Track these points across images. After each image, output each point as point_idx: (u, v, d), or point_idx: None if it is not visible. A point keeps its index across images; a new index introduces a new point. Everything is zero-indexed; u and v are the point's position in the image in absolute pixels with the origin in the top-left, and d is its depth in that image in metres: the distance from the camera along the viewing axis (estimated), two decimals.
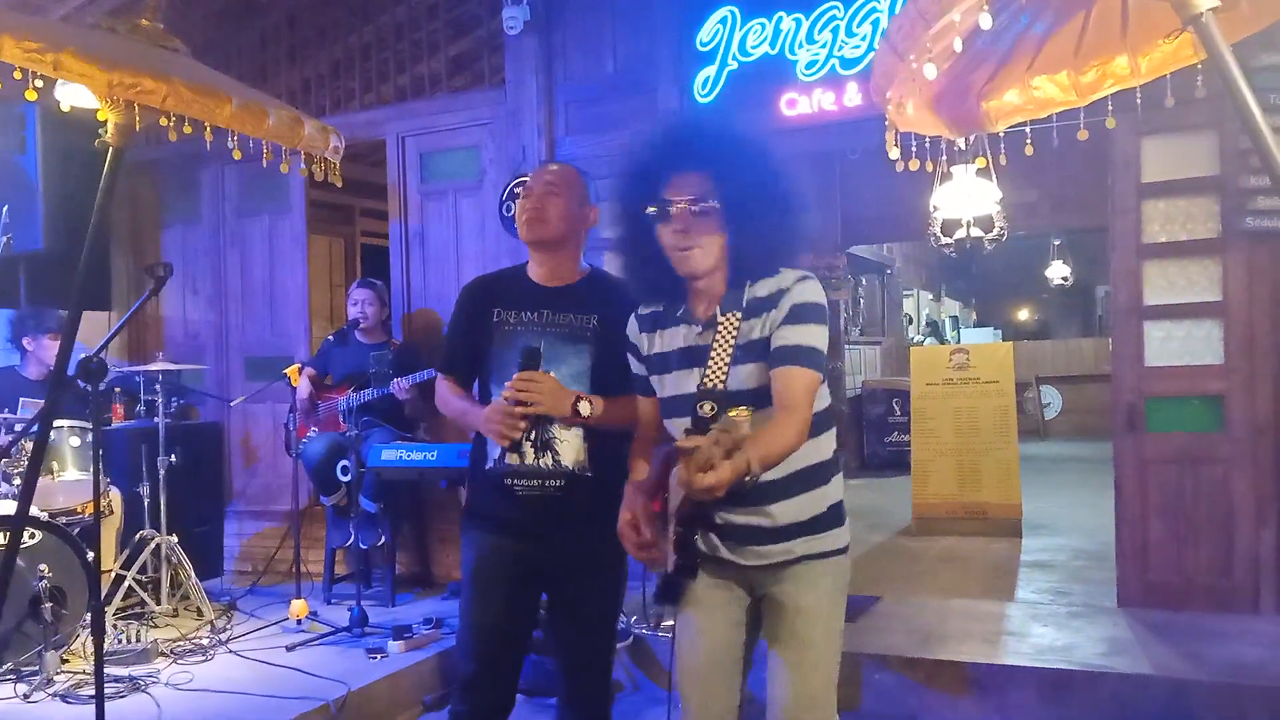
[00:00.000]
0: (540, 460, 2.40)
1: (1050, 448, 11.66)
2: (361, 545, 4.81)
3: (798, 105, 4.76)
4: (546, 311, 2.45)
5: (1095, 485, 6.70)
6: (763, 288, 2.05)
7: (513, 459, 2.37)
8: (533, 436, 2.38)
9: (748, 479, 1.78)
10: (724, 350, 2.01)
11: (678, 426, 2.07)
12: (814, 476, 2.09)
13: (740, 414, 1.75)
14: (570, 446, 2.40)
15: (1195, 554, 4.27)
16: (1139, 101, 2.01)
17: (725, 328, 2.03)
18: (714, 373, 1.99)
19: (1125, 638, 3.98)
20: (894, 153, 2.15)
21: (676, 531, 1.99)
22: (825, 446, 2.12)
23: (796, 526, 2.07)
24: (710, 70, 4.95)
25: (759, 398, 1.97)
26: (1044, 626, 4.19)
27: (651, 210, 2.05)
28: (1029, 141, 2.17)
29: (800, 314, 2.00)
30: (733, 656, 2.16)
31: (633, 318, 2.24)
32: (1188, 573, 4.28)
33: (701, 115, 2.13)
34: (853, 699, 3.79)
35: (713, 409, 1.93)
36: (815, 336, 1.99)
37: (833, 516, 2.13)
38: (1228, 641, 3.84)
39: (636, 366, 2.23)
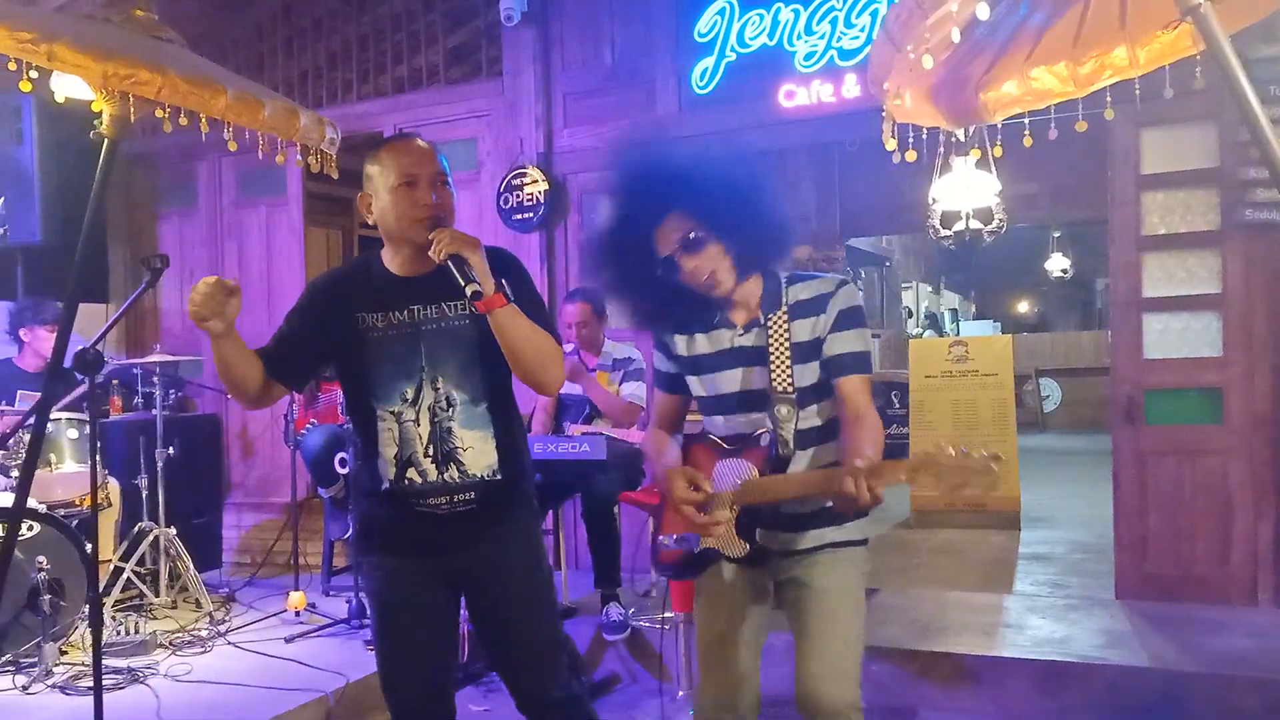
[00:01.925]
0: (445, 475, 2.16)
1: (1049, 440, 11.66)
2: None
3: (796, 97, 4.75)
4: (416, 307, 2.17)
5: (1094, 478, 6.70)
6: (803, 290, 2.19)
7: (412, 476, 2.16)
8: (431, 450, 2.16)
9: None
10: (782, 353, 2.15)
11: (725, 422, 2.23)
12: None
13: (989, 454, 1.76)
14: (477, 453, 2.18)
15: (1193, 546, 4.27)
16: (1138, 93, 2.00)
17: (776, 329, 2.16)
18: (780, 376, 2.14)
19: (1122, 629, 3.98)
20: (891, 144, 2.16)
21: (740, 521, 2.12)
22: None
23: (824, 515, 2.18)
24: (709, 61, 4.94)
25: (819, 392, 2.16)
26: (1041, 618, 4.19)
27: (660, 269, 2.14)
28: (1027, 133, 2.16)
29: (847, 320, 2.15)
30: (755, 633, 2.26)
31: None
32: (1185, 565, 4.28)
33: (651, 156, 2.22)
34: None
35: (790, 411, 2.13)
36: (863, 340, 2.16)
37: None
38: (1225, 633, 3.85)
39: (664, 363, 2.33)
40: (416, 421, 2.16)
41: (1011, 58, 2.07)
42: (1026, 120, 2.15)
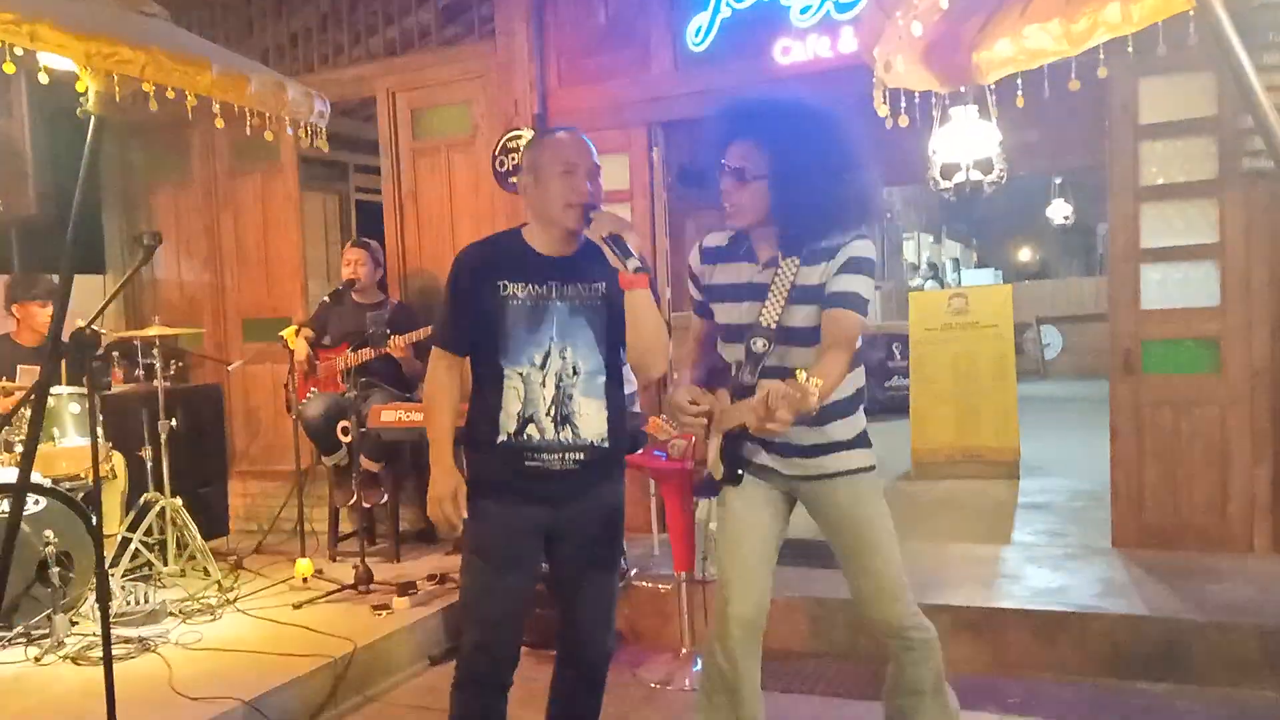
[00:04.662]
0: (560, 434, 2.41)
1: (1050, 388, 11.69)
2: (365, 504, 4.85)
3: (792, 52, 4.69)
4: (553, 283, 2.41)
5: (1095, 425, 6.68)
6: (824, 240, 2.27)
7: (531, 432, 2.40)
8: (552, 411, 2.40)
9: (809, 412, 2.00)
10: (781, 291, 2.26)
11: (732, 350, 2.36)
12: (849, 404, 2.38)
13: (813, 383, 1.87)
14: (591, 420, 2.43)
15: (1190, 495, 4.30)
16: (1130, 51, 1.98)
17: (784, 270, 2.27)
18: (769, 311, 2.25)
19: (1120, 579, 4.03)
20: (882, 110, 2.15)
21: (723, 446, 2.27)
22: (857, 378, 2.40)
23: (830, 445, 2.33)
24: (703, 17, 4.87)
25: (810, 336, 2.25)
26: (1039, 569, 4.23)
27: (718, 170, 2.31)
28: (1020, 94, 2.15)
29: (853, 265, 2.23)
30: (771, 543, 2.44)
31: (696, 248, 2.50)
32: (1183, 513, 4.32)
33: (767, 90, 2.39)
34: (849, 644, 3.84)
35: (765, 345, 2.24)
36: (864, 285, 2.24)
37: (861, 439, 2.42)
38: (1222, 581, 3.89)
39: (695, 292, 2.51)
40: (543, 384, 2.40)
41: (1004, 17, 2.05)
42: (1019, 79, 2.14)
